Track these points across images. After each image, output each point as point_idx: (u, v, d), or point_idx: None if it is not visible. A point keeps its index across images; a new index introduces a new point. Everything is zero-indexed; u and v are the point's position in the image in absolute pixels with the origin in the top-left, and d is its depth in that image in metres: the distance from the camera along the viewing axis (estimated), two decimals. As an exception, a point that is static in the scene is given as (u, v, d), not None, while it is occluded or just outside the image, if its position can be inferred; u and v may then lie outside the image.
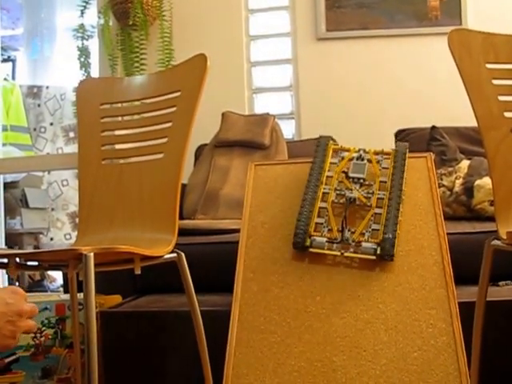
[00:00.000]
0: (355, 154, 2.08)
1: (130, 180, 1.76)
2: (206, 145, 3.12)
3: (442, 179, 2.63)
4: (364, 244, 1.86)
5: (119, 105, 1.89)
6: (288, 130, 3.63)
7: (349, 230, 1.90)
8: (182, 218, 2.69)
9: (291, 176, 2.17)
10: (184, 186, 2.84)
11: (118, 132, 1.89)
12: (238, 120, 3.09)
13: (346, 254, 1.86)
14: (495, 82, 1.50)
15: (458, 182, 2.60)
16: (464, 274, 1.95)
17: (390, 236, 1.84)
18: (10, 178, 5.06)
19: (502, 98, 1.52)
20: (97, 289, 2.35)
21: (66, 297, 2.26)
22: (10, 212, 4.95)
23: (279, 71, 3.81)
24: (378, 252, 1.83)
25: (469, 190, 2.56)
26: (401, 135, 3.18)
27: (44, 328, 2.23)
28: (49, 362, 2.24)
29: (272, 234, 2.02)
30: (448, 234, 1.94)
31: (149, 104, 1.83)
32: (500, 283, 2.09)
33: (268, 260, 1.97)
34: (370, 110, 3.48)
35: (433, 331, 1.76)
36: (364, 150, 2.08)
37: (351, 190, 1.99)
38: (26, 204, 5.18)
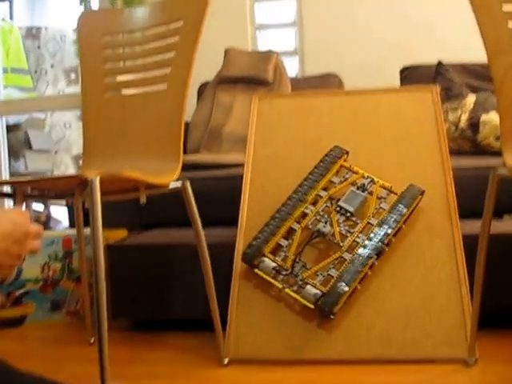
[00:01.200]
0: (360, 181, 1.89)
1: (134, 111, 1.75)
2: (208, 82, 3.09)
3: (447, 114, 2.61)
4: (308, 288, 1.69)
5: (121, 36, 1.86)
6: (291, 67, 3.58)
7: (303, 266, 1.76)
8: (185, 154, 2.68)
9: (295, 110, 2.16)
10: (187, 124, 2.83)
11: (120, 63, 1.87)
12: (241, 56, 3.05)
13: (286, 291, 1.73)
14: (505, 7, 1.47)
15: (464, 117, 2.57)
16: (468, 209, 1.95)
17: (340, 290, 1.65)
18: (12, 120, 5.04)
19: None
20: (102, 223, 2.39)
21: (73, 232, 2.28)
22: (13, 154, 4.95)
23: (282, 7, 3.74)
24: (319, 302, 1.67)
25: (474, 125, 2.54)
26: (406, 72, 3.13)
27: (51, 262, 2.26)
28: (57, 295, 2.28)
29: (276, 167, 2.02)
30: (453, 168, 1.94)
31: (151, 34, 1.80)
32: (504, 216, 2.10)
33: (273, 191, 1.97)
34: (375, 46, 3.42)
35: (436, 261, 1.78)
36: (372, 180, 1.88)
37: (330, 221, 1.81)
38: (29, 146, 5.17)
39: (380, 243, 1.74)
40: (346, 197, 1.85)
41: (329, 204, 1.85)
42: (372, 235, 1.76)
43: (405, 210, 1.79)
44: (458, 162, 2.21)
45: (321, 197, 1.88)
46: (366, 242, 1.74)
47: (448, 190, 1.89)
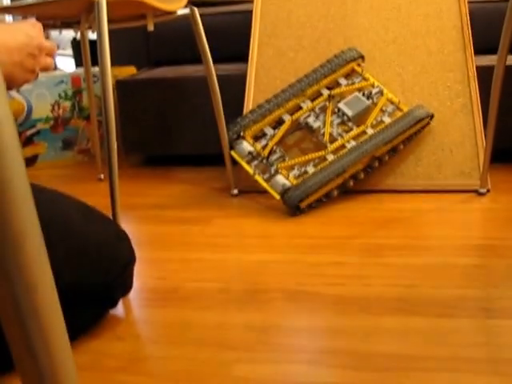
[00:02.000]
0: (368, 89, 1.77)
1: None
2: None
3: None
4: (278, 177, 1.62)
5: None
6: None
7: (281, 157, 1.67)
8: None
9: None
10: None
11: None
12: None
13: (256, 177, 1.66)
14: None
15: None
16: (484, 43, 1.90)
17: (310, 186, 1.55)
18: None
19: None
20: (111, 61, 2.34)
21: (82, 71, 2.24)
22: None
23: None
24: (284, 197, 1.59)
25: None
26: None
27: (61, 100, 2.24)
28: (68, 134, 2.28)
29: (287, 2, 1.93)
30: (468, 2, 1.86)
31: None
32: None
33: (283, 24, 1.91)
34: None
35: (449, 93, 1.75)
36: (381, 91, 1.75)
37: (324, 120, 1.71)
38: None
39: (361, 151, 1.61)
40: (348, 100, 1.73)
41: (328, 103, 1.75)
42: (363, 144, 1.63)
43: (404, 130, 1.65)
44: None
45: (321, 94, 1.77)
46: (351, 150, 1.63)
47: (463, 21, 1.81)
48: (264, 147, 1.69)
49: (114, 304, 1.08)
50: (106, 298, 1.06)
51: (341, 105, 1.72)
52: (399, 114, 1.71)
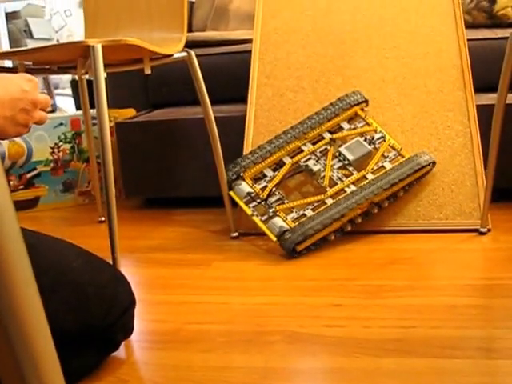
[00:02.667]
0: (370, 134, 1.75)
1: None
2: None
3: (462, -15, 2.50)
4: (276, 220, 1.61)
5: None
6: None
7: (280, 199, 1.66)
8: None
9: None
10: (191, 3, 2.74)
11: None
12: None
13: (253, 218, 1.65)
14: None
15: (479, -13, 2.47)
16: (483, 82, 1.91)
17: (305, 232, 1.54)
18: (9, 8, 4.92)
19: None
20: (109, 103, 2.36)
21: (81, 113, 2.26)
22: (14, 42, 4.87)
23: None
24: (281, 239, 1.58)
25: (490, -5, 2.44)
26: None
27: (61, 143, 2.25)
28: (69, 176, 2.29)
29: (285, 40, 1.96)
30: (468, 40, 1.88)
31: None
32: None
33: (282, 65, 1.93)
34: None
35: (449, 133, 1.76)
36: (383, 137, 1.73)
37: (324, 163, 1.70)
38: (30, 35, 5.07)
39: (361, 199, 1.60)
40: (350, 145, 1.72)
41: (329, 147, 1.74)
42: (363, 190, 1.62)
43: (405, 177, 1.63)
44: (474, 34, 2.14)
45: (323, 138, 1.76)
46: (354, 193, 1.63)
47: (463, 61, 1.83)
48: (263, 189, 1.68)
49: (115, 347, 1.08)
50: (107, 341, 1.05)
51: (342, 149, 1.71)
52: (401, 160, 1.70)
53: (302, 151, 1.75)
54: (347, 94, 1.79)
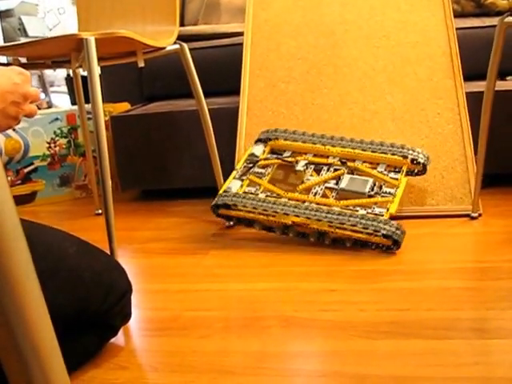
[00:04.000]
0: (386, 183, 1.60)
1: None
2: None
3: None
4: (236, 183, 1.67)
5: None
6: None
7: (261, 174, 1.68)
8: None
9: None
10: (183, -3, 2.75)
11: None
12: None
13: (233, 172, 1.72)
14: None
15: (468, -24, 2.49)
16: (472, 69, 1.93)
17: (223, 200, 1.61)
18: (3, 6, 4.92)
19: None
20: (104, 98, 2.38)
21: (76, 108, 2.28)
22: (9, 40, 4.87)
23: None
24: (217, 195, 1.66)
25: (479, -16, 2.47)
26: None
27: (57, 138, 2.27)
28: (65, 170, 2.31)
29: (276, 31, 1.98)
30: (457, 29, 1.90)
31: None
32: (507, 78, 2.07)
33: (274, 56, 1.95)
34: None
35: (440, 120, 1.78)
36: (392, 195, 1.56)
37: (322, 175, 1.66)
38: (24, 33, 5.07)
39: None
40: (356, 178, 1.62)
41: (343, 169, 1.66)
42: (311, 210, 1.55)
43: (357, 229, 1.51)
44: (462, 23, 2.16)
45: (350, 161, 1.68)
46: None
47: (452, 49, 1.85)
48: (266, 159, 1.73)
49: (114, 333, 1.10)
50: (105, 327, 1.08)
51: (346, 175, 1.63)
52: (371, 215, 1.52)
53: (326, 158, 1.71)
54: (412, 148, 1.66)
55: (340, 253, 1.50)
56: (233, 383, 0.95)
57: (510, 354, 0.96)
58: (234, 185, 1.67)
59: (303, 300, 1.24)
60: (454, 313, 1.13)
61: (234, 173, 1.71)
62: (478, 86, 1.87)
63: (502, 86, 1.88)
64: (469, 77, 1.92)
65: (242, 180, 1.68)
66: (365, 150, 1.67)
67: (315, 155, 1.72)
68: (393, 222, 1.47)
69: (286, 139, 1.75)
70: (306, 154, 1.73)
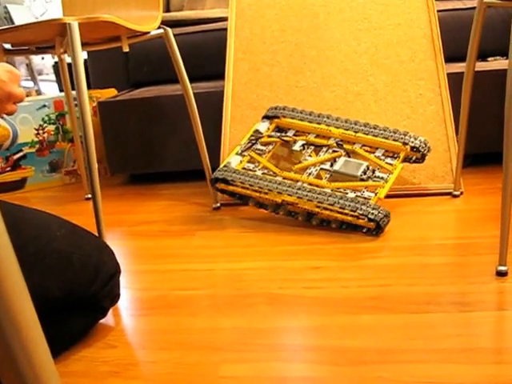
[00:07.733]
0: (381, 168, 1.63)
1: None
2: None
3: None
4: (236, 158, 1.72)
5: None
6: None
7: (262, 151, 1.73)
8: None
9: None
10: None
11: None
12: None
13: (236, 147, 1.76)
14: None
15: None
16: (454, 51, 1.96)
17: (222, 175, 1.67)
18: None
19: None
20: (92, 84, 2.39)
21: (63, 95, 2.29)
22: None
23: None
24: (218, 168, 1.72)
25: (461, -36, 2.48)
26: None
27: (45, 124, 2.28)
28: (55, 157, 2.32)
29: (260, 15, 1.99)
30: (438, 11, 1.92)
31: None
32: (489, 59, 2.09)
33: (257, 40, 1.97)
34: None
35: (421, 101, 1.81)
36: (384, 180, 1.59)
37: (320, 155, 1.69)
38: (11, 21, 5.04)
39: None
40: (351, 161, 1.64)
41: (342, 152, 1.69)
42: (303, 190, 1.59)
43: (345, 211, 1.52)
44: (443, 5, 2.19)
45: (347, 143, 1.72)
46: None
47: (433, 31, 1.87)
48: (270, 136, 1.77)
49: (103, 313, 1.12)
50: (94, 308, 1.10)
51: (342, 158, 1.66)
52: (361, 198, 1.54)
53: (327, 139, 1.74)
54: (414, 135, 1.67)
55: (325, 233, 1.53)
56: (220, 359, 0.97)
57: (489, 326, 1.00)
58: (234, 160, 1.72)
59: (288, 278, 1.28)
60: (435, 287, 1.16)
61: (238, 148, 1.76)
62: (459, 67, 1.89)
63: (482, 66, 1.91)
64: (450, 58, 1.95)
65: (243, 156, 1.73)
66: (367, 134, 1.70)
67: (317, 136, 1.76)
68: (382, 207, 1.51)
69: (292, 118, 1.79)
70: (308, 133, 1.77)
